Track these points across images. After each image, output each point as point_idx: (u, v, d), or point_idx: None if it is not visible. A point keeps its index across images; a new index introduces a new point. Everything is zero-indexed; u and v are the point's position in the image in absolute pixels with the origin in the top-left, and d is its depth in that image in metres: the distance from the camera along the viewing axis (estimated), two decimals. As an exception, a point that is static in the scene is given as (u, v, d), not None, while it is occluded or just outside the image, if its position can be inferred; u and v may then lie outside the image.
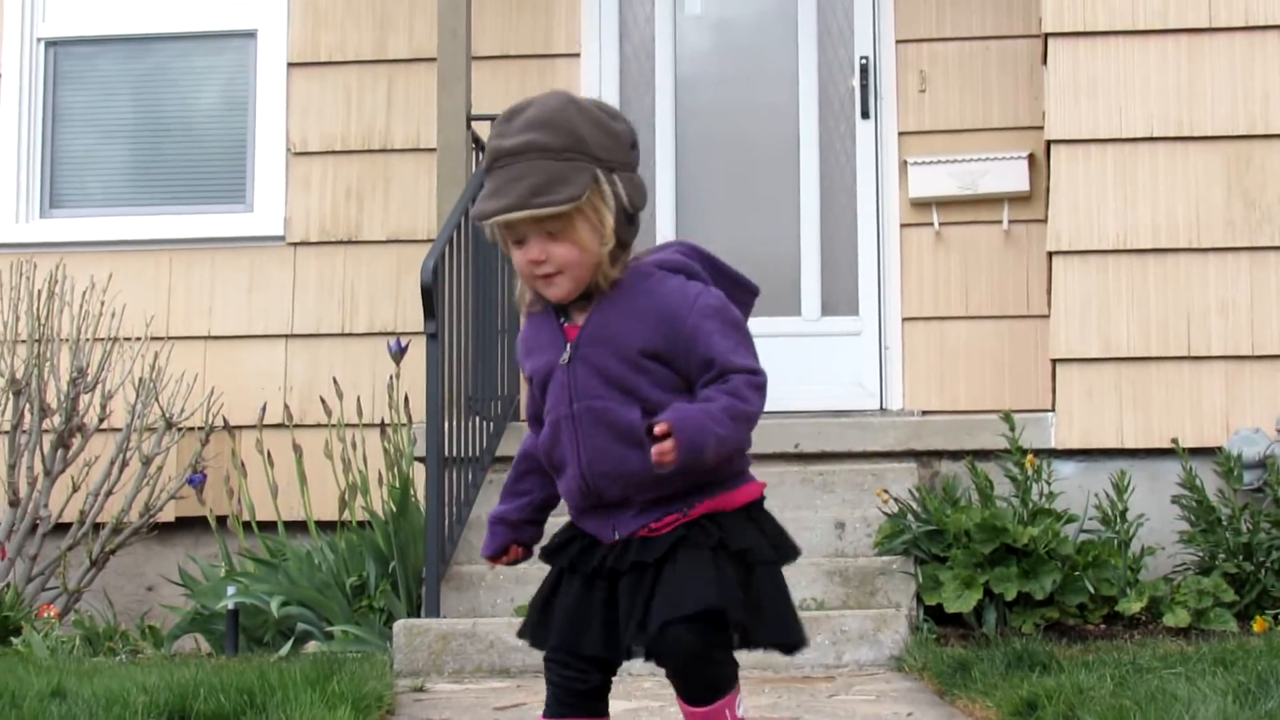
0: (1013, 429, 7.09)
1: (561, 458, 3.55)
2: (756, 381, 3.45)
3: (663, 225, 8.43)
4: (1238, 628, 6.42)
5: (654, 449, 3.33)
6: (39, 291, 7.98)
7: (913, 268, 8.28)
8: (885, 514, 6.93)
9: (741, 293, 3.61)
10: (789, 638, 3.52)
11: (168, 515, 8.05)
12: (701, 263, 3.59)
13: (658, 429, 3.33)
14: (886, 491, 6.97)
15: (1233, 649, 5.42)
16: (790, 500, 7.17)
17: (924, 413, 7.99)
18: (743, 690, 3.58)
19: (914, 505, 6.92)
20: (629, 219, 3.49)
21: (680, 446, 3.32)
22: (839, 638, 6.26)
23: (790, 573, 6.33)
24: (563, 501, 3.68)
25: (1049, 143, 7.69)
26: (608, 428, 3.46)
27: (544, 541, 3.71)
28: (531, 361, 3.60)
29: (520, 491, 3.74)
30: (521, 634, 3.67)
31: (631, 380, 3.45)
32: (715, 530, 3.45)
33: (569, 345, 3.52)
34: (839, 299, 8.40)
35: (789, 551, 3.57)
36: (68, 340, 7.93)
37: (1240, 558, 6.70)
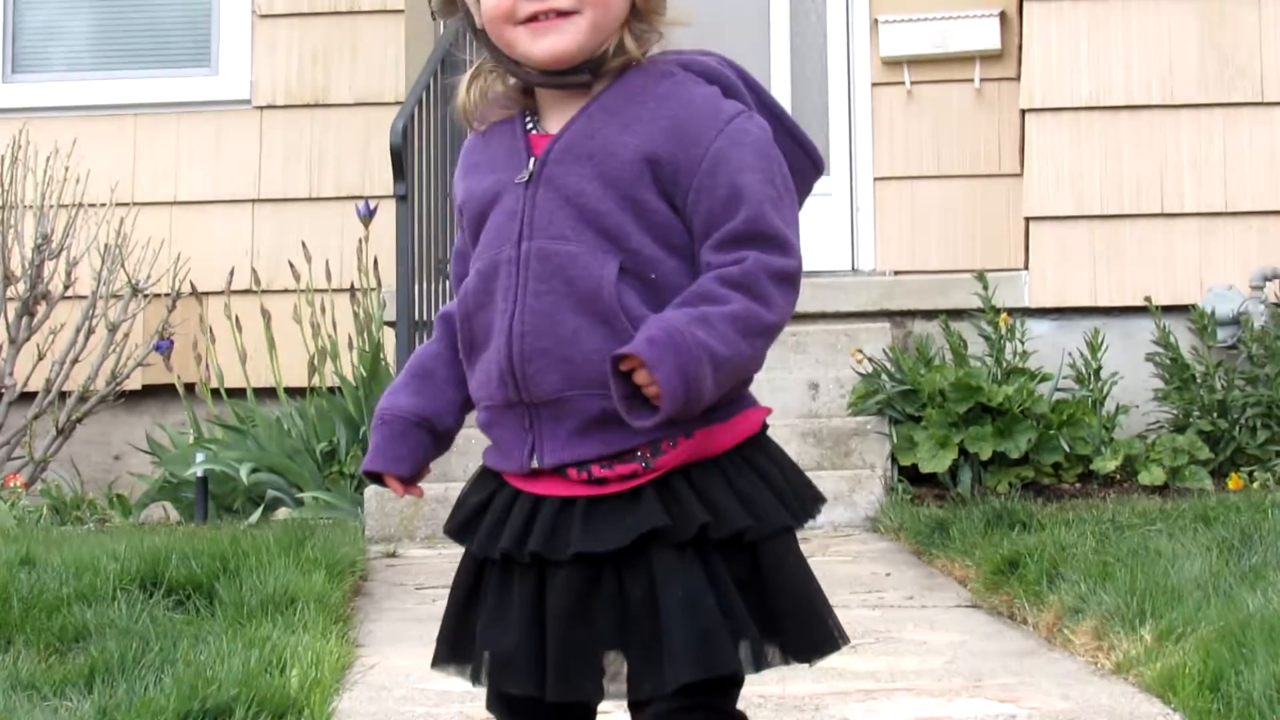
0: (986, 288, 7.05)
1: (485, 326, 2.48)
2: (787, 268, 2.39)
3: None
4: (1213, 485, 6.42)
5: (617, 392, 2.35)
6: (1, 158, 7.85)
7: (884, 127, 8.19)
8: (859, 374, 6.89)
9: (799, 156, 2.56)
10: (818, 647, 2.49)
11: (134, 383, 7.97)
12: (745, 83, 2.58)
13: (623, 363, 2.34)
14: (860, 351, 6.93)
15: (1213, 505, 5.41)
16: (767, 362, 7.08)
17: (896, 273, 7.93)
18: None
19: (888, 365, 6.88)
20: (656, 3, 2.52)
21: (664, 392, 2.32)
22: (814, 499, 6.23)
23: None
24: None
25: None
26: (566, 284, 2.41)
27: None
28: (469, 182, 2.57)
29: (437, 377, 2.63)
30: (436, 662, 2.60)
31: (616, 217, 2.41)
32: (696, 504, 2.40)
33: (533, 159, 2.48)
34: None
35: (809, 503, 2.52)
36: (32, 207, 7.81)
37: (1215, 415, 6.68)
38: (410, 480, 2.62)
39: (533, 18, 2.44)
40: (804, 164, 2.55)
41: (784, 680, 3.97)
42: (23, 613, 4.42)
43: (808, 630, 2.46)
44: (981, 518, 5.53)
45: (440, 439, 2.61)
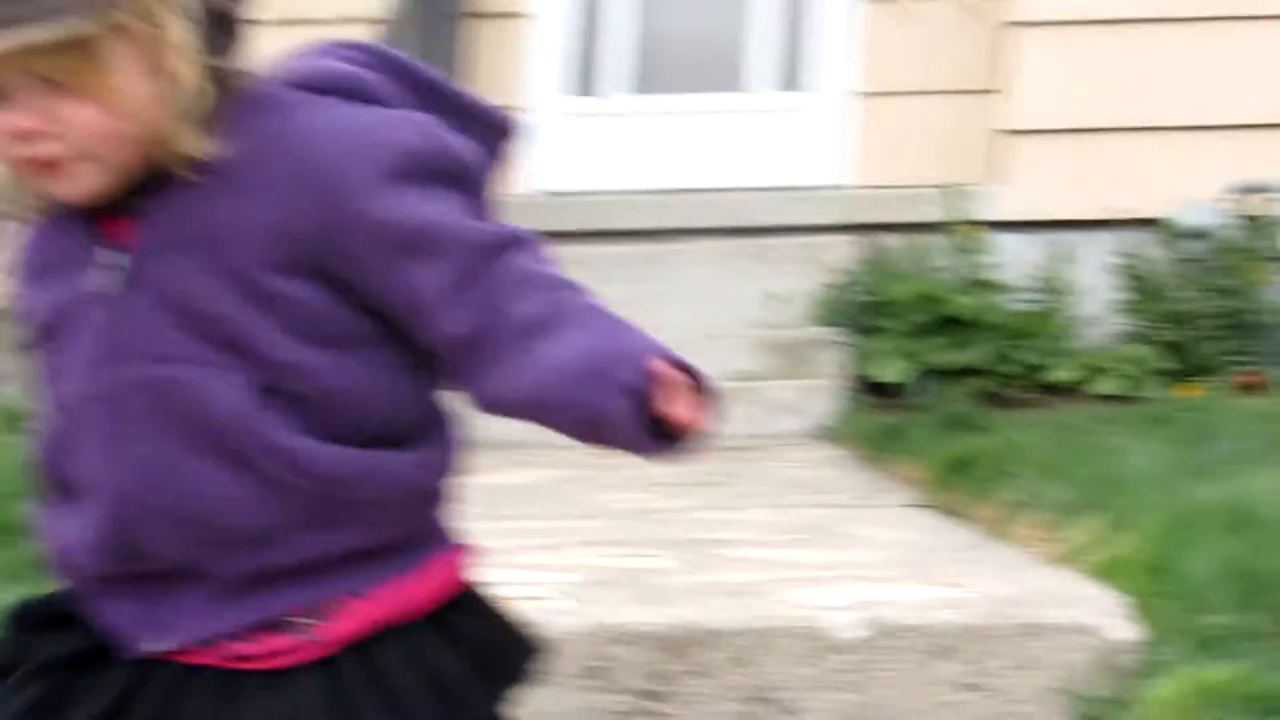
0: (956, 201, 6.95)
1: (75, 475, 1.83)
2: (539, 249, 1.81)
3: (549, 16, 8.13)
4: (1168, 396, 6.32)
5: (639, 431, 1.70)
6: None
7: (860, 40, 8.04)
8: (823, 286, 6.81)
9: (479, 129, 1.89)
10: None
11: None
12: (391, 73, 1.86)
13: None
14: (828, 262, 6.84)
15: (1169, 408, 5.35)
16: (727, 273, 7.00)
17: (865, 187, 7.80)
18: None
19: (852, 277, 6.80)
20: (220, 23, 1.76)
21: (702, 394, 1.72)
22: (770, 408, 6.17)
23: (724, 345, 6.30)
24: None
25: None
26: (181, 422, 1.75)
27: None
28: (35, 291, 1.86)
29: None
30: None
31: (245, 321, 1.75)
32: (373, 700, 1.77)
33: (120, 258, 1.79)
34: (782, 73, 8.14)
35: (516, 672, 1.92)
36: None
37: (1178, 326, 6.59)
38: None
39: (39, 161, 1.75)
40: (487, 133, 1.88)
41: (729, 569, 3.92)
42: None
43: None
44: (936, 423, 5.46)
45: None
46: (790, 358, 6.54)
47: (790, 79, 8.10)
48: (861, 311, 6.62)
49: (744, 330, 6.61)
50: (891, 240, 7.23)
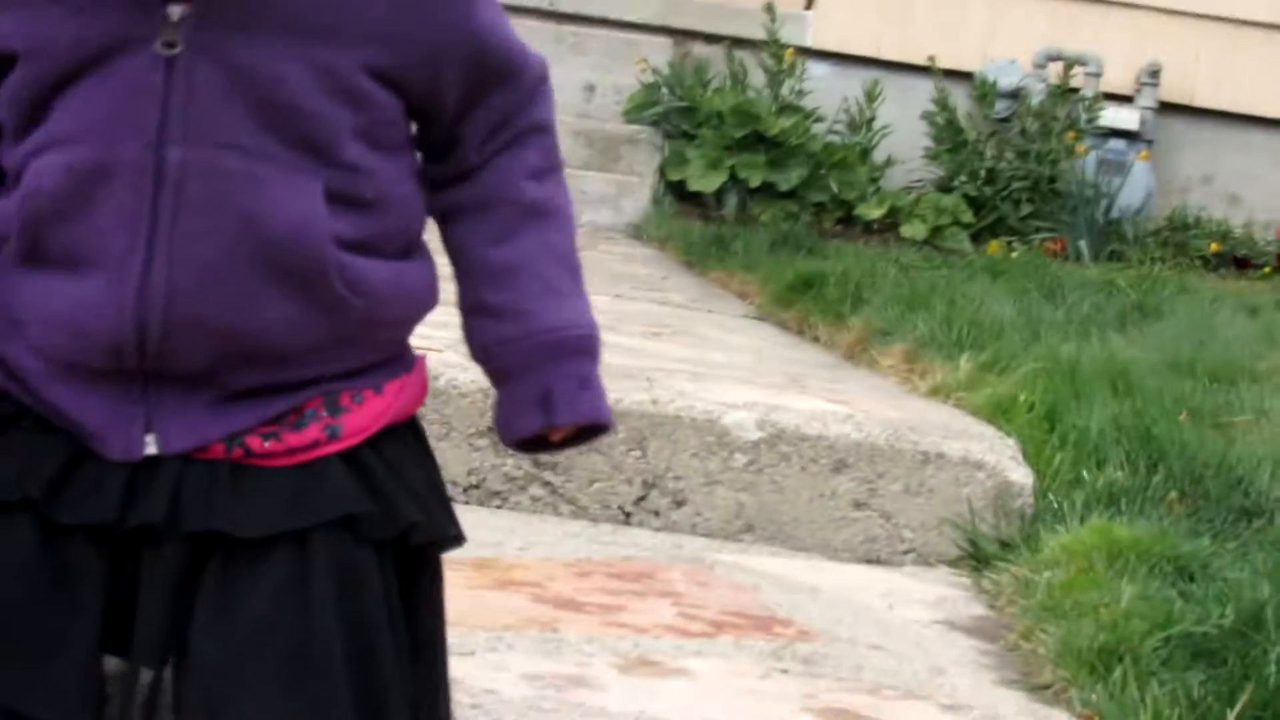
0: (773, 20, 6.87)
1: (72, 248, 1.57)
2: (552, 109, 1.73)
3: None
4: (972, 248, 6.39)
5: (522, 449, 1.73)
6: None
7: None
8: (641, 83, 6.68)
9: None
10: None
11: None
12: None
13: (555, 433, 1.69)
14: (645, 61, 6.71)
15: (995, 262, 5.39)
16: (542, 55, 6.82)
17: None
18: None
19: (666, 80, 6.69)
20: None
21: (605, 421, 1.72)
22: (579, 198, 5.97)
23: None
24: None
25: None
26: (245, 224, 1.56)
27: None
28: (28, 13, 1.57)
29: None
30: None
31: (328, 120, 1.57)
32: (401, 491, 1.65)
33: (176, 8, 1.54)
34: None
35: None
36: None
37: (981, 182, 6.65)
38: None
39: None
40: None
41: (606, 351, 3.81)
42: None
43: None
44: (766, 238, 5.42)
45: None
46: (605, 151, 6.43)
47: None
48: (678, 115, 6.52)
49: (563, 117, 6.43)
50: (704, 49, 7.14)
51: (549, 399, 1.67)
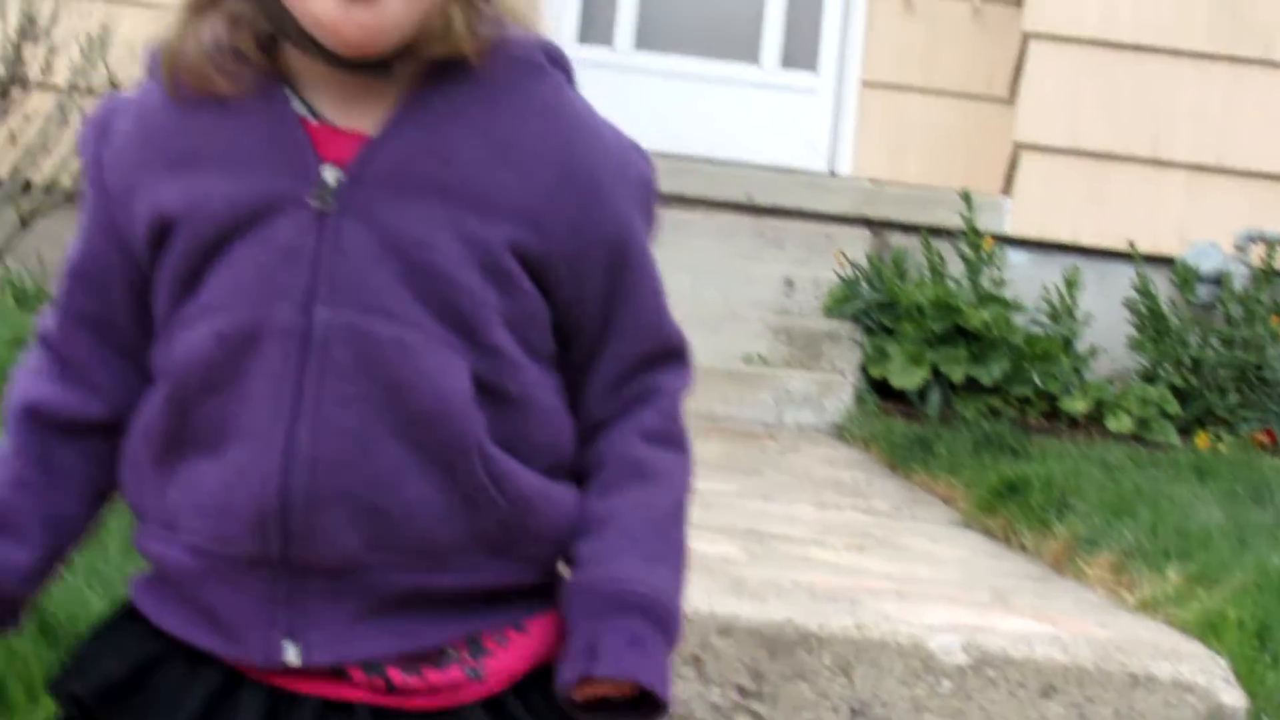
0: (970, 208, 6.90)
1: (221, 423, 1.55)
2: (686, 387, 1.73)
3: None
4: (1179, 441, 6.33)
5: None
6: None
7: (877, 31, 7.98)
8: (839, 277, 6.74)
9: None
10: None
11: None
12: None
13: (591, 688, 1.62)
14: (844, 254, 6.76)
15: (1206, 459, 5.33)
16: (741, 250, 6.92)
17: (875, 181, 7.74)
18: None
19: (866, 273, 6.73)
20: None
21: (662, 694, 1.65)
22: (782, 397, 6.10)
23: (736, 326, 6.22)
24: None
25: (1029, -82, 7.45)
26: (392, 394, 1.53)
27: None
28: (190, 180, 1.57)
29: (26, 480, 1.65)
30: None
31: (477, 295, 1.55)
32: None
33: (331, 171, 1.56)
34: (798, 53, 8.06)
35: None
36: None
37: (1187, 371, 6.59)
38: None
39: None
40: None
41: (799, 568, 3.84)
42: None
43: None
44: (970, 438, 5.41)
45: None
46: (805, 348, 6.47)
47: (800, 57, 8.02)
48: (878, 309, 6.55)
49: (761, 313, 6.53)
50: (901, 239, 7.19)
51: (595, 648, 1.60)
